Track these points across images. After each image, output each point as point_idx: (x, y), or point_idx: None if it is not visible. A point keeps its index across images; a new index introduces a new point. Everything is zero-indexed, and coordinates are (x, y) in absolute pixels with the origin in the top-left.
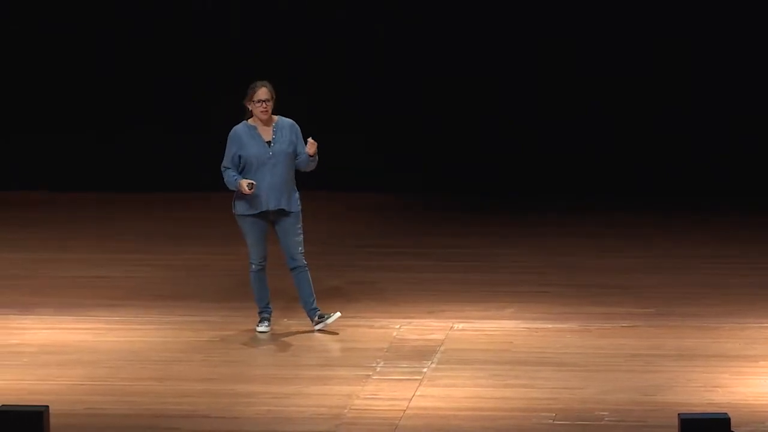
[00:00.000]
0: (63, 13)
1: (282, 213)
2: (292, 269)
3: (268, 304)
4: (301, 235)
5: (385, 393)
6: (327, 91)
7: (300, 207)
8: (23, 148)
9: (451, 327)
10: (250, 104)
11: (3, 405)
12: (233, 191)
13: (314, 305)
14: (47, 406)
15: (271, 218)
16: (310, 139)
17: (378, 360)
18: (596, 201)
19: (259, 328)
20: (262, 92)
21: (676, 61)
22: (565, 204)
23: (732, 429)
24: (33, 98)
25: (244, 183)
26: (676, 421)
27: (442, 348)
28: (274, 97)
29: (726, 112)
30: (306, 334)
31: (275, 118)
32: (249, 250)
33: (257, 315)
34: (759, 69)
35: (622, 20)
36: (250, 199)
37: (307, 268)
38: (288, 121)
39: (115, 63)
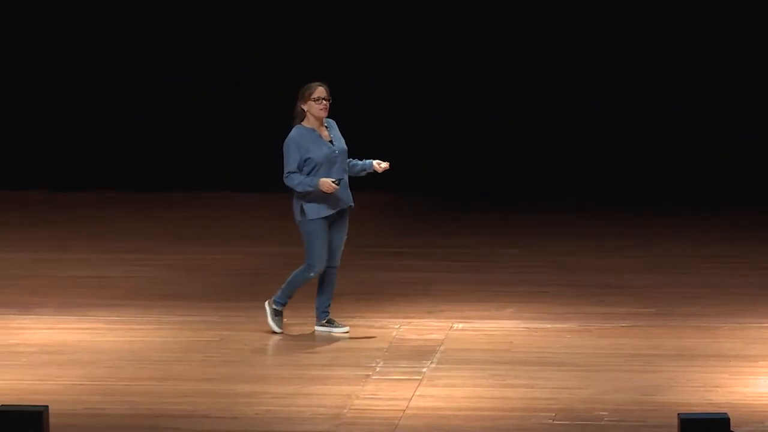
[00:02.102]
0: (63, 12)
1: (344, 211)
2: (331, 268)
3: (287, 301)
4: (347, 234)
5: (384, 393)
6: (330, 91)
7: None
8: (23, 148)
9: (451, 327)
10: (305, 104)
11: (3, 405)
12: (304, 195)
13: (328, 309)
14: (47, 406)
15: (335, 218)
16: (384, 164)
17: (378, 360)
18: (596, 201)
19: (274, 324)
20: (321, 90)
21: (676, 61)
22: (565, 204)
23: (731, 429)
24: (33, 98)
25: (328, 181)
26: (675, 421)
27: (441, 348)
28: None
29: (726, 112)
30: (306, 334)
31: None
32: (313, 255)
33: (275, 303)
34: (759, 69)
35: (622, 20)
36: (327, 200)
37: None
38: (330, 119)
39: (115, 63)
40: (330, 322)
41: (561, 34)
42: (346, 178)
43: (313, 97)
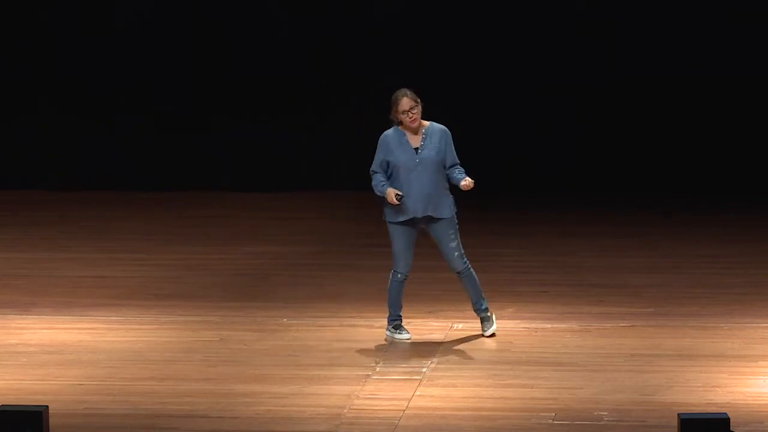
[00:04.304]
0: (62, 12)
1: (431, 220)
2: (456, 273)
3: (400, 312)
4: (456, 240)
5: (384, 393)
6: (328, 91)
7: (453, 212)
8: (23, 147)
9: (451, 327)
10: (397, 116)
11: (2, 405)
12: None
13: (477, 307)
14: (46, 406)
15: (422, 225)
16: (467, 182)
17: (377, 360)
18: (596, 201)
19: (401, 336)
20: (405, 102)
21: (676, 61)
22: (565, 204)
23: (731, 429)
24: (33, 97)
25: (392, 193)
26: (675, 421)
27: (441, 348)
28: (419, 102)
29: (726, 111)
30: (305, 334)
31: (426, 123)
32: (394, 258)
33: (388, 321)
34: (759, 69)
35: (621, 20)
36: (398, 207)
37: (470, 270)
38: (439, 127)
39: (115, 63)
40: (487, 320)
41: (560, 34)
42: (429, 187)
43: (399, 111)
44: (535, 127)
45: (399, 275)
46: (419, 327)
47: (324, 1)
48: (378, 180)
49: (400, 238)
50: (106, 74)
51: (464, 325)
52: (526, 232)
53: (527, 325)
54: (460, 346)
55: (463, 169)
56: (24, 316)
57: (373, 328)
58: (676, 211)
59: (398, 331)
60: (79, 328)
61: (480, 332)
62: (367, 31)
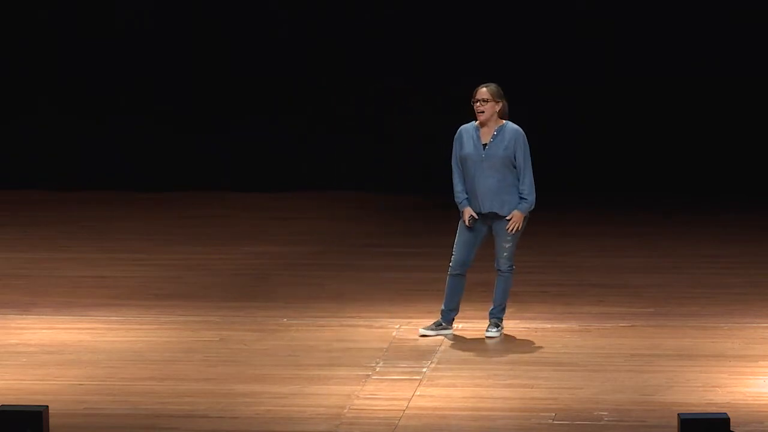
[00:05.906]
0: (63, 11)
1: (497, 216)
2: (497, 271)
3: (451, 309)
4: (511, 242)
5: (384, 393)
6: (328, 91)
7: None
8: (23, 147)
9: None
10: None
11: (2, 405)
12: None
13: (494, 311)
14: (46, 406)
15: (489, 222)
16: (510, 224)
17: (377, 360)
18: (597, 201)
19: (424, 330)
20: (479, 93)
21: (676, 61)
22: (565, 204)
23: (731, 429)
24: (33, 97)
25: (467, 214)
26: (675, 421)
27: (441, 348)
28: (498, 100)
29: (726, 111)
30: (305, 334)
31: (501, 122)
32: (453, 251)
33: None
34: (759, 69)
35: (621, 20)
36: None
37: (510, 275)
38: (513, 127)
39: (115, 63)
40: (495, 326)
41: (559, 34)
42: (495, 184)
43: (473, 98)
44: (535, 127)
45: (450, 269)
46: (419, 327)
47: (324, 1)
48: (456, 187)
49: (461, 235)
50: (106, 74)
51: (464, 325)
52: (526, 232)
53: (527, 325)
54: (460, 346)
55: (525, 199)
56: (24, 316)
57: (373, 328)
58: (676, 211)
59: (432, 327)
60: (79, 328)
61: (481, 333)
62: (367, 31)
